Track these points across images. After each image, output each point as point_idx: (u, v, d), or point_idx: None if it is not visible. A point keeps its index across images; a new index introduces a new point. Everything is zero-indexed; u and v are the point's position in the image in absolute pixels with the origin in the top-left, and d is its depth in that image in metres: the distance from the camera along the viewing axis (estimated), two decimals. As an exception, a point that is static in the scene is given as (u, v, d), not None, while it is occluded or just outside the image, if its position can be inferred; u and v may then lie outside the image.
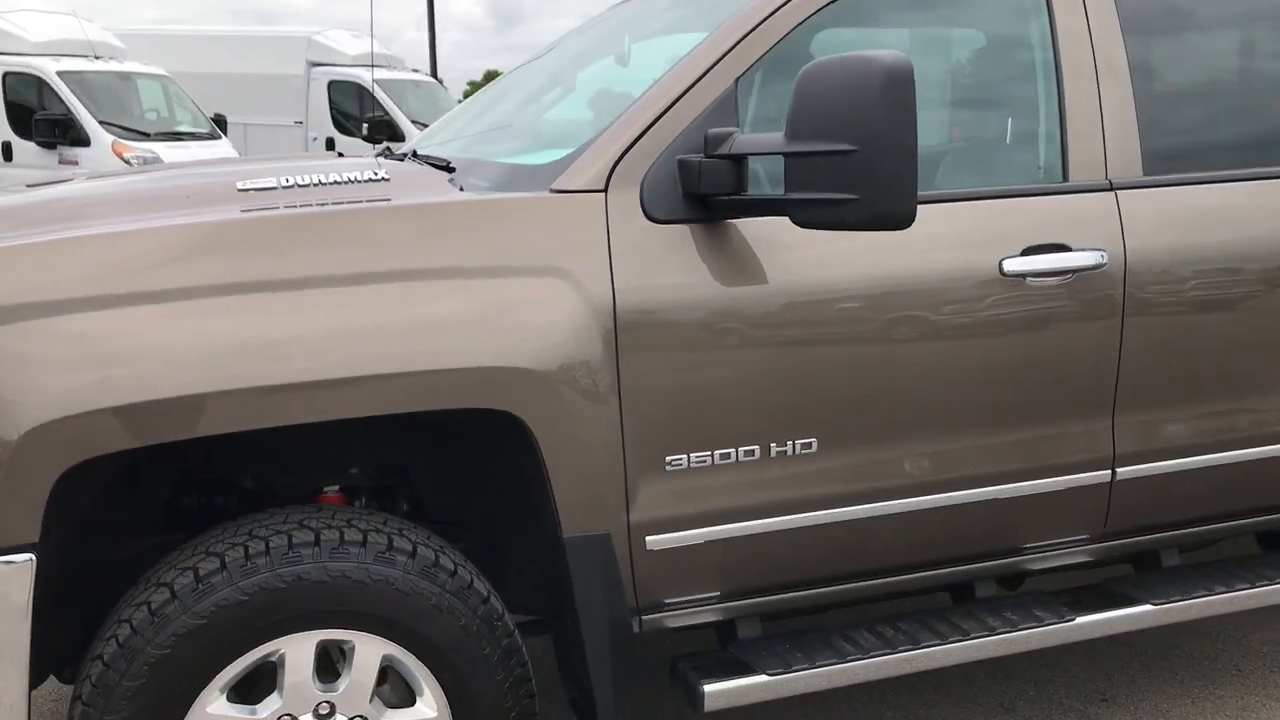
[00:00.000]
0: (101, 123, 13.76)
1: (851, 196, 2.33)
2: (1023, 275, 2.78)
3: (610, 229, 2.51)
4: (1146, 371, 2.94)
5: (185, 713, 2.31)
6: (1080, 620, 2.99)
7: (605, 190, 2.54)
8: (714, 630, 2.91)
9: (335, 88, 17.58)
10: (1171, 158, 3.01)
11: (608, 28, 3.59)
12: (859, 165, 2.30)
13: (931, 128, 3.08)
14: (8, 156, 13.99)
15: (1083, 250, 2.84)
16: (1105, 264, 2.85)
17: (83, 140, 13.58)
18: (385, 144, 3.50)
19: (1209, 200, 3.00)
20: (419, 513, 2.91)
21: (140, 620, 2.28)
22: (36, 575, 2.19)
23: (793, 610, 2.97)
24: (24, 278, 2.19)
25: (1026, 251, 2.79)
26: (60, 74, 13.83)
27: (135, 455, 2.34)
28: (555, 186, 2.56)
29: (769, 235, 2.61)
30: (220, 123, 15.60)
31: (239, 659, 2.33)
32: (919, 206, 2.68)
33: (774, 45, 2.69)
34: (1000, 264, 2.76)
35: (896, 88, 2.27)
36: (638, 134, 2.59)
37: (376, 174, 2.74)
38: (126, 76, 14.80)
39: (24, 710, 2.28)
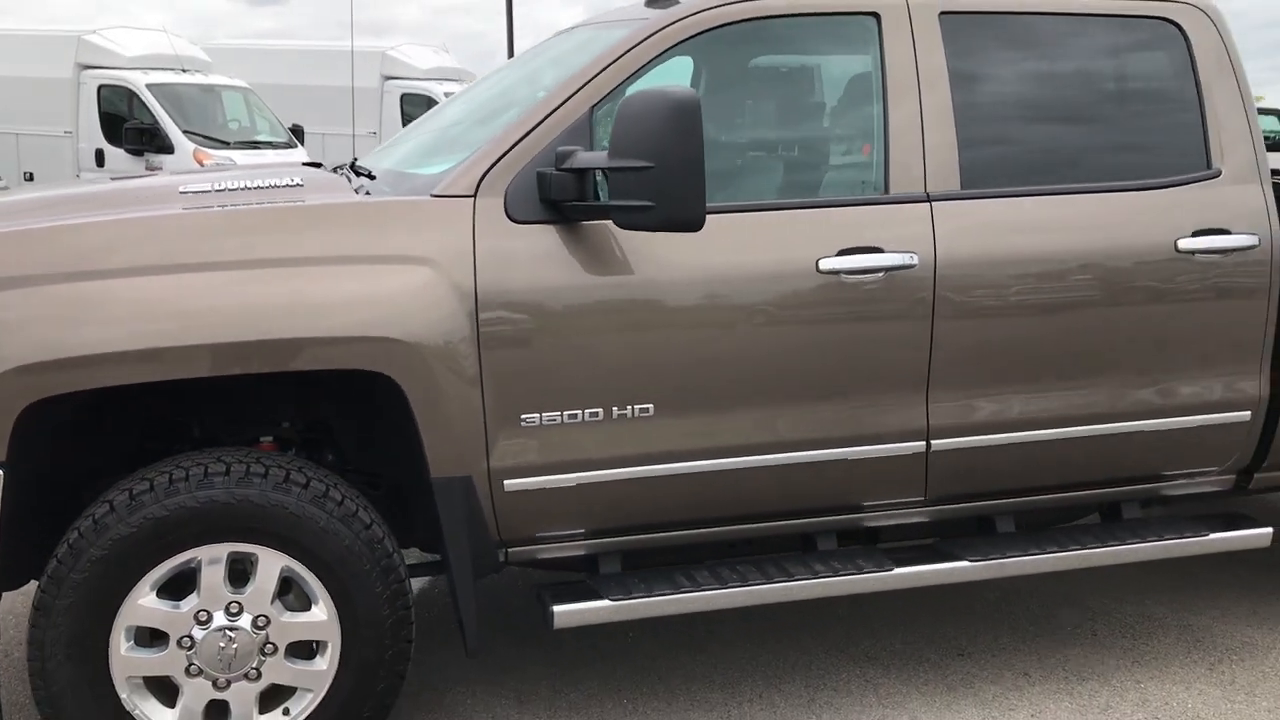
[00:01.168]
0: (185, 132, 14.75)
1: (650, 204, 2.88)
2: (837, 272, 3.28)
3: (476, 228, 3.09)
4: (957, 357, 3.41)
5: (120, 602, 2.93)
6: (898, 571, 3.48)
7: (474, 196, 3.12)
8: (583, 565, 3.46)
9: (408, 100, 18.46)
10: (988, 174, 3.48)
11: (537, 58, 4.16)
12: (655, 179, 2.86)
13: (760, 147, 3.60)
14: (100, 163, 15.07)
15: (895, 252, 3.33)
16: (915, 264, 3.34)
17: (167, 148, 14.58)
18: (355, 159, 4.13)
19: (1018, 211, 3.47)
20: (344, 463, 3.51)
21: (86, 528, 2.91)
22: (5, 488, 2.83)
23: (655, 551, 3.50)
24: None
25: (842, 252, 3.30)
26: (149, 86, 14.87)
27: (96, 401, 2.99)
28: (435, 192, 3.15)
29: (615, 234, 3.15)
30: (298, 133, 16.52)
31: (164, 562, 2.95)
32: (749, 214, 3.26)
33: (623, 81, 3.23)
34: (817, 262, 3.27)
35: (683, 116, 2.83)
36: (504, 150, 3.17)
37: (293, 180, 3.36)
38: (210, 89, 15.80)
39: None
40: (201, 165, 14.16)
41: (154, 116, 14.73)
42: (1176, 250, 3.57)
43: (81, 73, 15.34)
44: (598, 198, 3.10)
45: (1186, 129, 3.70)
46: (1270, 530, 3.83)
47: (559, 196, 3.09)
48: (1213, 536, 3.76)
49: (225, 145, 14.97)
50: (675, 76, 3.58)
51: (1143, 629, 4.25)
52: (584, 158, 3.04)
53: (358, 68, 18.00)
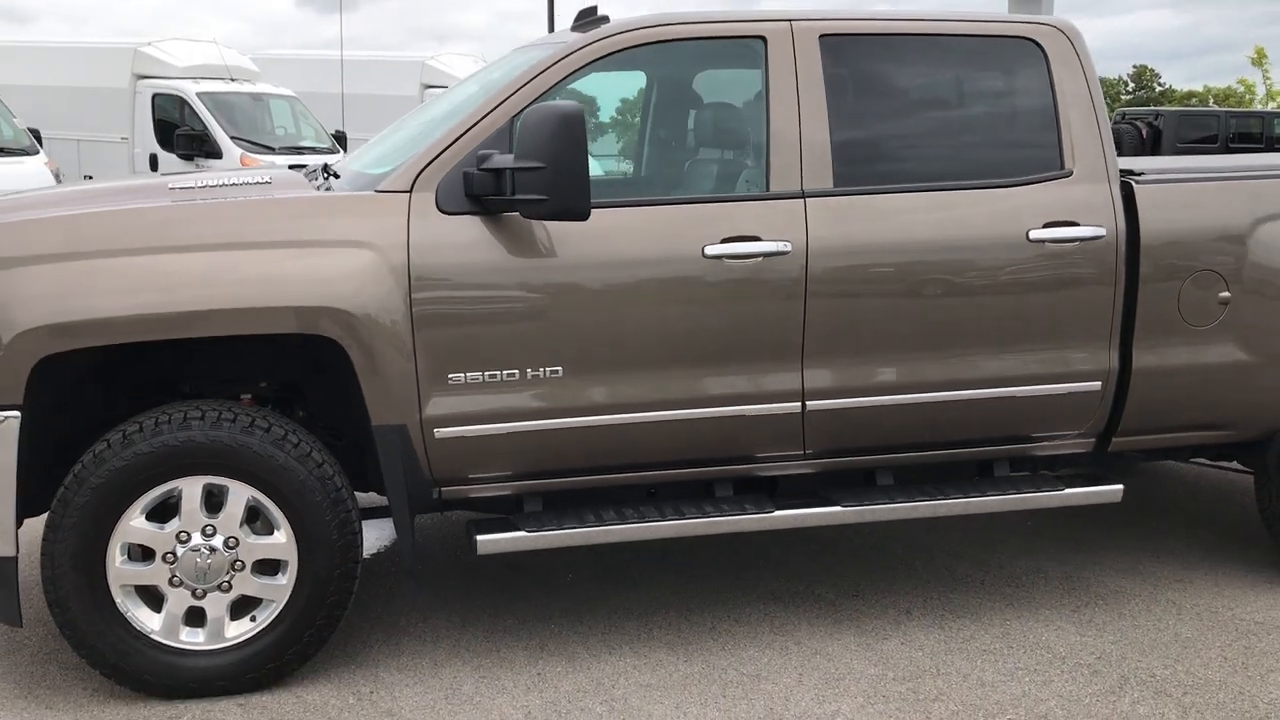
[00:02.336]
0: (233, 138, 15.61)
1: (544, 197, 3.50)
2: (720, 257, 3.87)
3: (410, 218, 3.72)
4: (828, 330, 3.98)
5: (115, 523, 3.59)
6: (778, 513, 4.06)
7: (410, 191, 3.75)
8: (511, 506, 4.06)
9: (446, 107, 19.22)
10: (860, 174, 4.05)
11: (492, 72, 4.78)
12: (547, 177, 3.49)
13: (664, 149, 4.20)
14: (154, 167, 15.97)
15: (771, 240, 3.91)
16: (789, 250, 3.92)
17: (216, 154, 15.44)
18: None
19: (884, 206, 4.03)
20: (313, 418, 4.15)
21: (88, 460, 3.58)
22: (21, 427, 3.49)
23: (575, 494, 4.09)
24: (14, 241, 3.53)
25: (725, 240, 3.88)
26: (199, 95, 15.77)
27: (101, 358, 3.65)
28: (379, 188, 3.79)
29: (530, 224, 3.76)
30: (341, 139, 17.31)
31: (151, 490, 3.60)
32: (647, 207, 3.87)
33: (541, 94, 3.84)
34: (703, 249, 3.86)
35: (569, 125, 3.45)
36: (438, 153, 3.79)
37: (264, 179, 4.01)
38: (258, 97, 16.68)
39: (12, 530, 3.56)
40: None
41: (204, 123, 15.60)
42: (1028, 239, 4.10)
43: (137, 82, 16.30)
44: (515, 194, 3.71)
45: (1043, 134, 4.23)
46: (1120, 487, 4.36)
47: (480, 192, 3.71)
48: (1067, 491, 4.30)
49: (271, 150, 15.75)
50: (618, 90, 4.18)
51: (1028, 580, 4.78)
52: (497, 160, 3.66)
53: (400, 77, 18.84)
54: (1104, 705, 3.73)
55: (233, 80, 16.60)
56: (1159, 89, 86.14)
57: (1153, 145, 22.41)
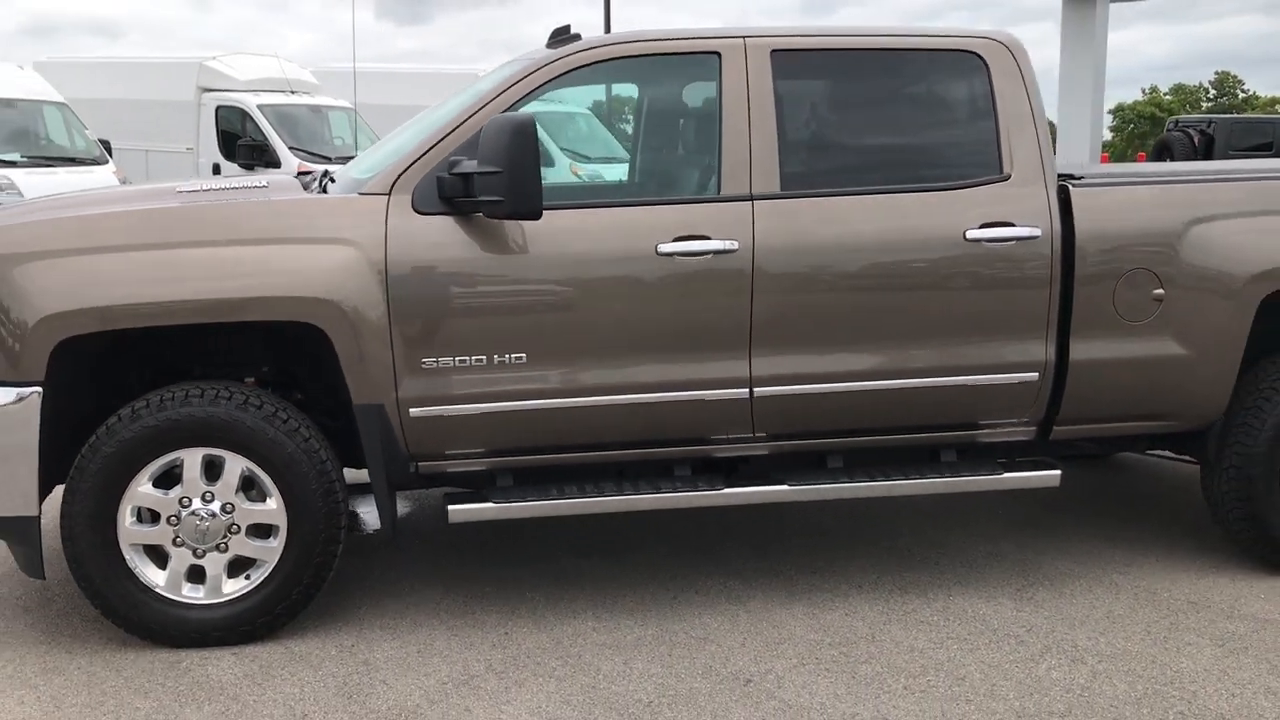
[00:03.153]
0: (292, 148, 16.27)
1: (501, 199, 3.90)
2: (672, 254, 4.23)
3: (389, 217, 4.13)
4: (773, 322, 4.31)
5: (125, 488, 4.04)
6: (726, 490, 4.41)
7: (389, 194, 4.17)
8: (485, 480, 4.46)
9: (500, 117, 19.78)
10: (806, 179, 4.38)
11: (480, 84, 5.18)
12: (503, 180, 3.89)
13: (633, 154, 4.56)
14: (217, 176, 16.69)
15: (720, 239, 4.26)
16: (736, 248, 4.27)
17: (275, 163, 16.11)
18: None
19: (827, 208, 4.36)
20: (310, 400, 4.58)
21: (102, 432, 4.04)
22: (43, 401, 3.96)
23: (545, 471, 4.46)
24: (36, 238, 4.00)
25: (677, 239, 4.24)
26: (260, 107, 16.46)
27: (114, 343, 4.11)
28: (361, 191, 4.21)
29: (499, 223, 4.16)
30: (396, 148, 17.91)
31: (157, 459, 4.05)
32: (608, 209, 4.25)
33: (511, 106, 4.24)
34: (656, 246, 4.23)
35: (521, 133, 3.85)
36: (415, 159, 4.21)
37: (261, 183, 4.46)
38: (317, 109, 17.35)
39: (35, 493, 4.02)
40: (304, 178, 15.60)
41: (264, 135, 16.29)
42: (965, 239, 4.40)
43: (202, 95, 17.08)
44: (478, 195, 4.09)
45: (983, 141, 4.53)
46: (1058, 473, 4.63)
47: (450, 194, 4.11)
48: (1005, 475, 4.59)
49: (328, 160, 16.37)
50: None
51: (983, 561, 5.06)
52: (464, 165, 4.07)
53: (451, 90, 19.37)
54: (1020, 670, 4.02)
55: (292, 93, 17.27)
56: (1241, 95, 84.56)
57: (1205, 152, 22.36)
